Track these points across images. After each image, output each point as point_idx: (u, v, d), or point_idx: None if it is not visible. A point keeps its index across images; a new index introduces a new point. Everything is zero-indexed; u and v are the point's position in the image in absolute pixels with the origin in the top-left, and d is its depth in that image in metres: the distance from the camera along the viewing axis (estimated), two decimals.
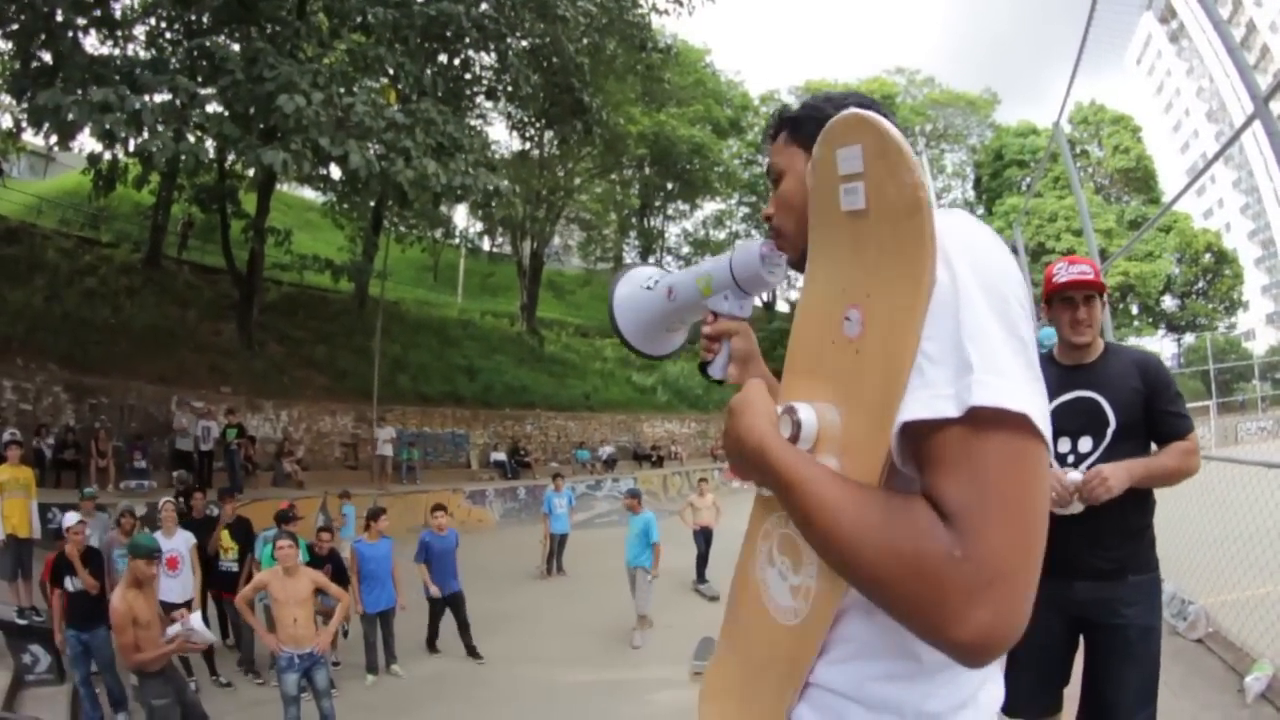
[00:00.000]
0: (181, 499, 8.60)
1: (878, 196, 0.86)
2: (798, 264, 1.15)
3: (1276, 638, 4.50)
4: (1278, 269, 48.81)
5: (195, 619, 5.21)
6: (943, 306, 0.79)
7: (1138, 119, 48.37)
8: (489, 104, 25.32)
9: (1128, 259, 37.76)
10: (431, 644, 8.20)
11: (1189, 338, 44.40)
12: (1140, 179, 45.58)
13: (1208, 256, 43.93)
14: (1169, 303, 44.70)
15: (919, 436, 0.78)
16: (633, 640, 8.53)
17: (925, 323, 0.80)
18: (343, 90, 13.64)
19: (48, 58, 12.69)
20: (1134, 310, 42.99)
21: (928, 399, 0.77)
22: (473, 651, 8.00)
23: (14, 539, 7.61)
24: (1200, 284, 44.59)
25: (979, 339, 0.77)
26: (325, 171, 17.89)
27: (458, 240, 35.78)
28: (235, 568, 7.71)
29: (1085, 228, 8.41)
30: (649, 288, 1.38)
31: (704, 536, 11.00)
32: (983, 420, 0.73)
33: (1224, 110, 45.81)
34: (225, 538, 7.79)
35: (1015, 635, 0.71)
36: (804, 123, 1.13)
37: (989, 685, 0.94)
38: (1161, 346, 44.15)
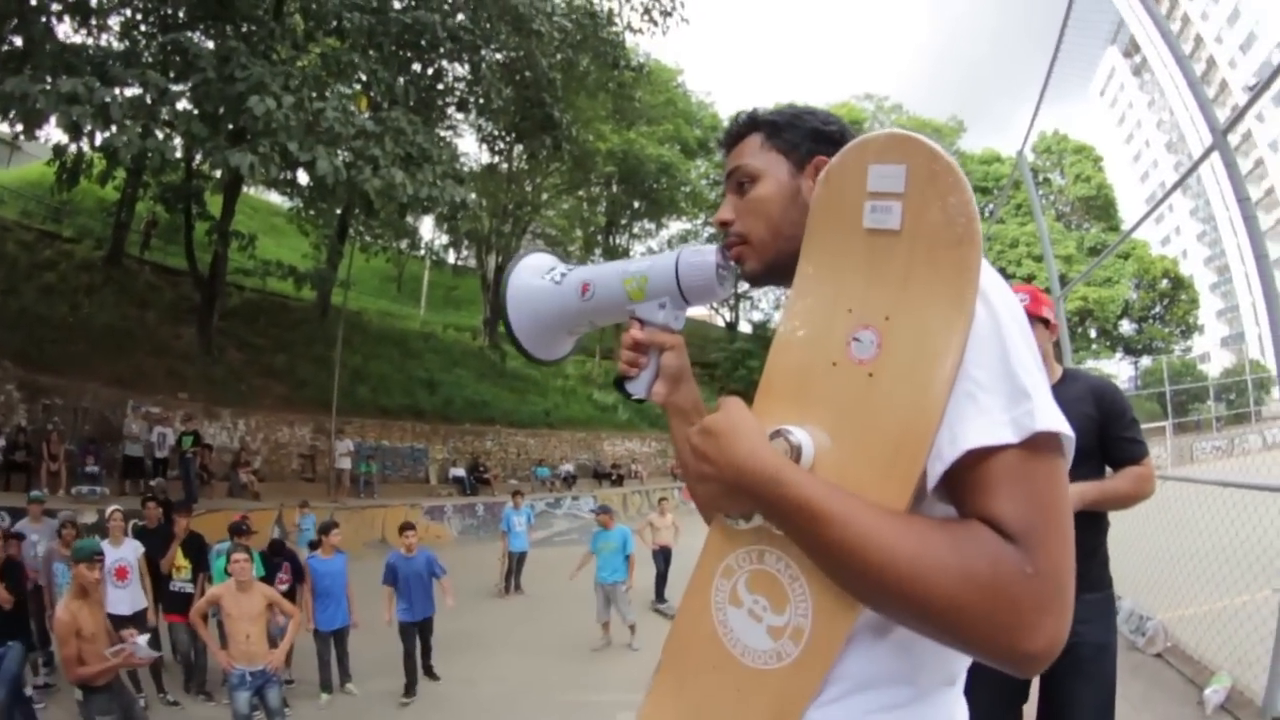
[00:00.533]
0: (160, 507, 8.17)
1: (918, 220, 0.84)
2: (758, 276, 1.09)
3: (1234, 650, 4.62)
4: (1232, 294, 50.56)
5: (140, 639, 5.03)
6: (984, 337, 0.81)
7: (1099, 149, 50.46)
8: (460, 115, 25.26)
9: (1087, 284, 38.91)
10: (410, 667, 7.38)
11: (1146, 360, 46.05)
12: (1100, 207, 47.21)
13: (1165, 282, 45.52)
14: (1127, 327, 46.35)
15: (967, 463, 0.78)
16: (632, 644, 8.66)
17: (967, 351, 0.80)
18: (314, 95, 13.51)
19: (19, 42, 12.41)
20: (1093, 334, 44.47)
21: (987, 426, 0.78)
22: (429, 671, 7.70)
23: None
24: (1157, 309, 46.26)
25: (1025, 369, 0.80)
26: (292, 176, 17.67)
27: (423, 252, 35.52)
28: (189, 587, 7.06)
29: (1046, 254, 8.63)
30: (555, 281, 1.19)
31: (663, 556, 10.92)
32: (1037, 444, 0.77)
33: (1183, 141, 47.54)
34: (178, 555, 7.17)
35: (1067, 636, 0.75)
36: (784, 129, 1.09)
37: (960, 703, 0.95)
38: (1119, 369, 45.97)
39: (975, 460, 0.77)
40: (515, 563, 12.34)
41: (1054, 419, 0.78)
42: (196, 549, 7.30)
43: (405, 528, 7.89)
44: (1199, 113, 4.66)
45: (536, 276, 1.21)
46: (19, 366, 13.88)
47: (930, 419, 0.80)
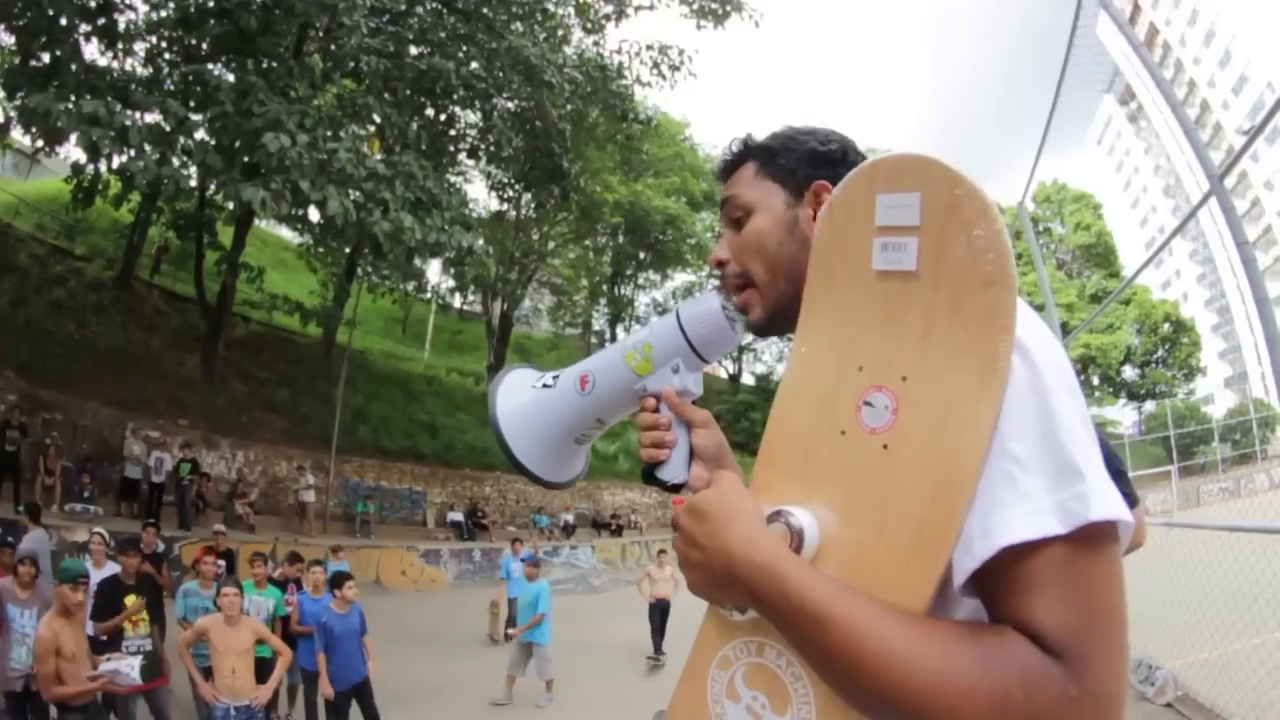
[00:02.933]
0: (222, 562, 7.45)
1: (937, 259, 0.72)
2: (765, 324, 0.98)
3: (1248, 695, 4.52)
4: (1234, 335, 50.36)
5: (127, 662, 4.94)
6: (1023, 400, 0.68)
7: (1098, 196, 51.35)
8: (470, 162, 25.67)
9: (1089, 332, 39.13)
10: None
11: (1150, 405, 45.93)
12: (1101, 254, 47.78)
13: (1166, 326, 45.73)
14: (1130, 372, 46.40)
15: (1003, 559, 0.66)
16: (540, 701, 8.29)
17: (1002, 419, 0.68)
18: (328, 134, 13.76)
19: (46, 59, 12.68)
20: (1095, 381, 44.52)
21: (1026, 514, 0.65)
22: None
23: None
24: (1160, 353, 46.29)
25: (1074, 439, 0.67)
26: (303, 213, 17.92)
27: (429, 295, 35.75)
28: (149, 644, 5.69)
29: (1047, 303, 8.67)
30: (547, 385, 1.04)
31: (659, 609, 10.75)
32: (1089, 534, 0.64)
33: (1179, 185, 47.87)
34: (132, 603, 5.71)
35: None
36: (779, 154, 1.00)
37: None
38: (1122, 415, 46.02)
39: (1013, 556, 0.65)
40: (515, 610, 11.95)
41: (1111, 505, 0.65)
42: (152, 594, 6.06)
43: (343, 578, 6.66)
44: (1194, 157, 4.72)
45: (524, 391, 1.05)
46: (21, 378, 13.89)
47: (956, 504, 0.68)
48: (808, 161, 0.98)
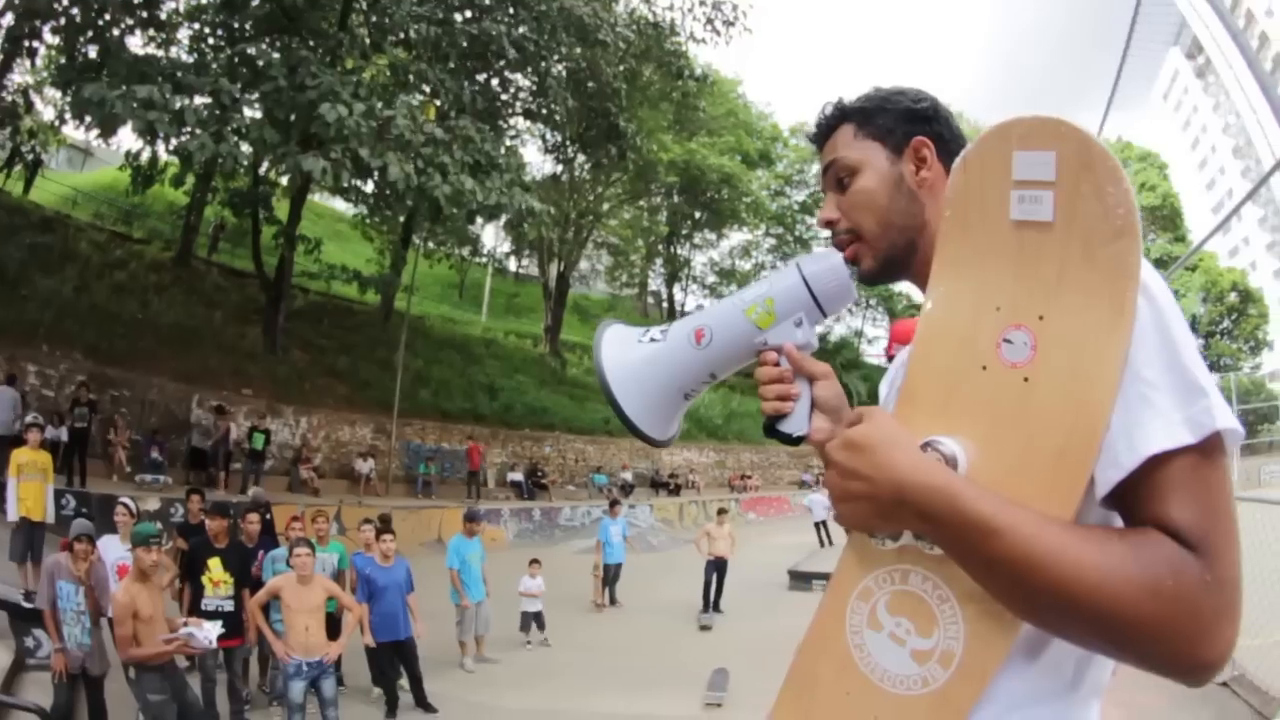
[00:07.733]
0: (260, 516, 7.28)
1: (1071, 211, 0.79)
2: (875, 273, 1.04)
3: None
4: None
5: (206, 627, 5.09)
6: (1149, 333, 0.77)
7: (1164, 155, 48.67)
8: (524, 124, 25.60)
9: None
10: (387, 686, 6.72)
11: (1213, 378, 43.92)
12: (1166, 217, 45.54)
13: (1233, 295, 43.97)
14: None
15: (1144, 468, 0.75)
16: (465, 665, 8.20)
17: (1131, 350, 0.76)
18: (382, 104, 13.85)
19: (93, 53, 12.97)
20: None
21: (1165, 428, 0.74)
22: (423, 703, 6.78)
23: (27, 521, 7.65)
24: (1225, 323, 44.66)
25: (1196, 363, 0.76)
26: (360, 183, 18.12)
27: (485, 259, 36.05)
28: (230, 605, 5.90)
29: None
30: (655, 339, 1.02)
31: (716, 566, 10.93)
32: (1212, 444, 0.74)
33: (1250, 145, 44.88)
34: (215, 567, 5.93)
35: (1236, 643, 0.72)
36: (876, 114, 1.04)
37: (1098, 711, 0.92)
38: None
39: (1151, 465, 0.74)
40: (611, 575, 11.87)
41: (1230, 416, 0.74)
42: (240, 559, 6.23)
43: (382, 531, 6.92)
44: (1269, 115, 4.40)
45: (631, 345, 1.03)
46: (89, 359, 14.47)
47: (1096, 425, 0.76)
48: (905, 119, 1.03)
